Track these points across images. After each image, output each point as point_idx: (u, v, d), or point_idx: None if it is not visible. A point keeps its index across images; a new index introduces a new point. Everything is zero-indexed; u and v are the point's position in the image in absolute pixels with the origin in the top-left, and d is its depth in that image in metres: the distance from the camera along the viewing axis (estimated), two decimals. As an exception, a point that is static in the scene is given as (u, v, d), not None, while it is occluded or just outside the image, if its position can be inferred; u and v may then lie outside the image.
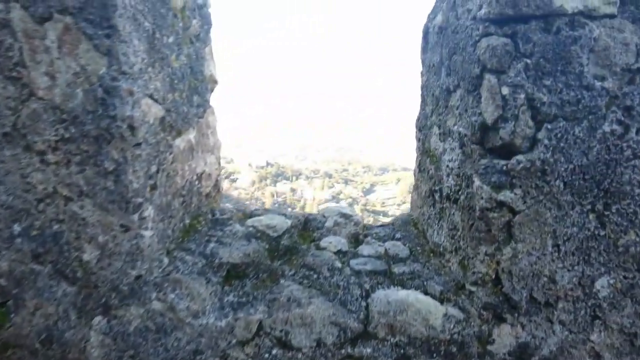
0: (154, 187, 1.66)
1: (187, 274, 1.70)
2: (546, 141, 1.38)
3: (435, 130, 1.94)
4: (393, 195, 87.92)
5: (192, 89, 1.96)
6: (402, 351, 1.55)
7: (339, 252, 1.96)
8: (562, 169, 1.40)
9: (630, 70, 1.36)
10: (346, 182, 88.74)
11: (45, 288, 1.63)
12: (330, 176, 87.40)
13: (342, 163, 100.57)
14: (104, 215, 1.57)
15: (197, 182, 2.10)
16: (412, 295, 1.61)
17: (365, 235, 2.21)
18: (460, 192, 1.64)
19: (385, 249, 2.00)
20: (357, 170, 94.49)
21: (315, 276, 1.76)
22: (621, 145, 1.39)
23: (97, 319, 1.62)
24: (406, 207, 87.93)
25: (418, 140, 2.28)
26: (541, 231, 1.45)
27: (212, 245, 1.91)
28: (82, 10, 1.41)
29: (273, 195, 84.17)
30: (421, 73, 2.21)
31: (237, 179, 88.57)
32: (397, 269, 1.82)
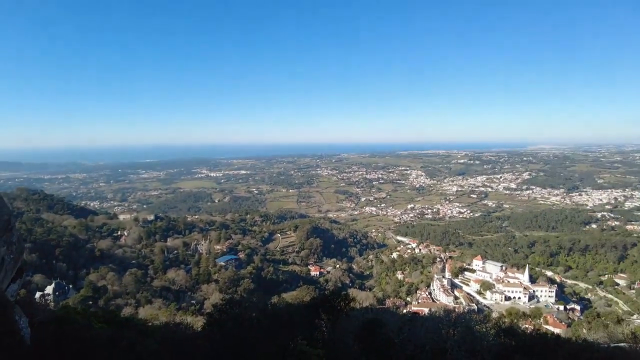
0: None
1: None
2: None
3: None
4: (292, 243, 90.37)
5: None
6: None
7: None
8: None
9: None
10: (244, 232, 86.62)
11: None
12: (227, 227, 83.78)
13: (239, 213, 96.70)
14: None
15: None
16: None
17: None
18: None
19: None
20: (255, 220, 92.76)
21: None
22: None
23: None
24: (305, 253, 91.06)
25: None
26: None
27: None
28: None
29: (164, 252, 74.97)
30: None
31: (121, 236, 75.14)
32: None
